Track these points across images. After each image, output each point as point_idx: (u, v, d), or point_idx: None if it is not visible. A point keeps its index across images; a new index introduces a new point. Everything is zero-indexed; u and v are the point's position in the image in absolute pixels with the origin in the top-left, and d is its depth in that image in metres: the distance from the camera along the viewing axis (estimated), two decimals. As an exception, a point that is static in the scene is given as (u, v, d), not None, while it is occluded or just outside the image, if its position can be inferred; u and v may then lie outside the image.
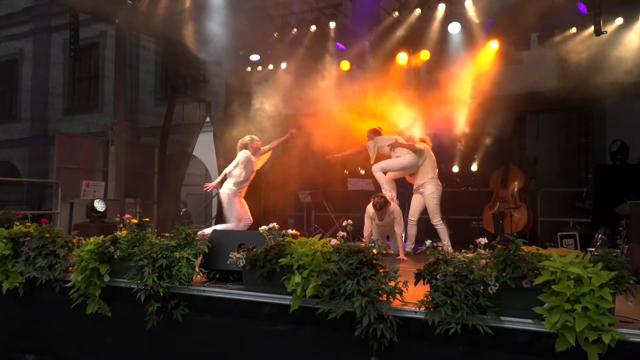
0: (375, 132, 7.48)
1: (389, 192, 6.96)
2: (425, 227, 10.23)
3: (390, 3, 9.76)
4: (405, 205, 10.23)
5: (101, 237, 5.09)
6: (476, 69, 8.93)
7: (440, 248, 3.83)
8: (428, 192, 6.86)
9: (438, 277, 3.58)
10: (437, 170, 7.09)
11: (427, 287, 3.69)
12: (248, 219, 6.98)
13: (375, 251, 3.85)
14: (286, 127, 12.08)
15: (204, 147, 12.69)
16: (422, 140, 7.33)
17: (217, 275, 4.87)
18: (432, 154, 7.10)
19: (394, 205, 6.88)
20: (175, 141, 11.72)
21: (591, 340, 3.07)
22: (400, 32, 9.52)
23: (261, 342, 4.25)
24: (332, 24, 10.06)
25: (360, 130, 9.45)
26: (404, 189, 10.38)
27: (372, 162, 7.32)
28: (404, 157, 7.08)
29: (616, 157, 8.15)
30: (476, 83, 8.74)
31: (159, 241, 4.78)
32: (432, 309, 3.54)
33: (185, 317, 4.51)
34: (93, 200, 8.62)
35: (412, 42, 9.65)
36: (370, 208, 6.75)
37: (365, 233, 6.90)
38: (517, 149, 9.36)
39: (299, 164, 10.07)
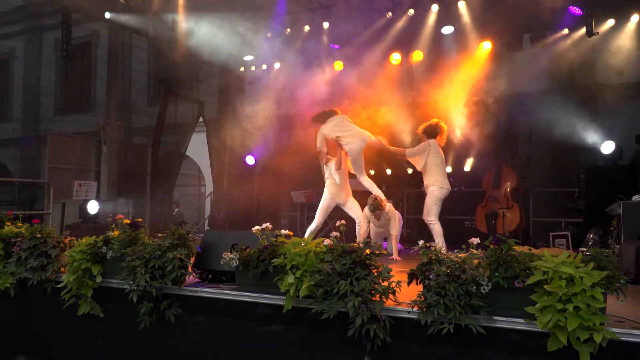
0: None
1: (379, 193, 6.93)
2: (419, 227, 10.28)
3: (383, 3, 9.78)
4: (398, 204, 10.27)
5: (93, 237, 5.08)
6: (469, 69, 8.96)
7: (433, 248, 3.83)
8: (429, 190, 6.79)
9: (431, 277, 3.59)
10: (443, 171, 6.82)
11: (420, 287, 3.70)
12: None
13: (368, 251, 3.86)
14: (279, 126, 12.15)
15: (197, 147, 12.67)
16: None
17: (210, 276, 4.86)
18: (437, 154, 6.83)
19: (389, 207, 6.89)
20: (168, 141, 11.69)
21: (583, 340, 3.08)
22: (393, 33, 9.55)
23: (254, 343, 4.25)
24: (326, 24, 10.07)
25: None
26: (397, 189, 10.42)
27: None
28: (349, 146, 6.91)
29: (609, 159, 8.19)
30: (469, 83, 8.77)
31: (151, 241, 4.78)
32: (425, 309, 3.55)
33: (178, 317, 4.50)
34: (85, 201, 8.59)
35: (406, 43, 9.67)
36: (367, 210, 6.77)
37: (361, 232, 6.90)
38: (509, 150, 9.38)
39: (293, 164, 10.06)
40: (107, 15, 9.46)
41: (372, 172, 10.64)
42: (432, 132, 6.91)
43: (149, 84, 15.29)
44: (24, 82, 17.38)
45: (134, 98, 14.53)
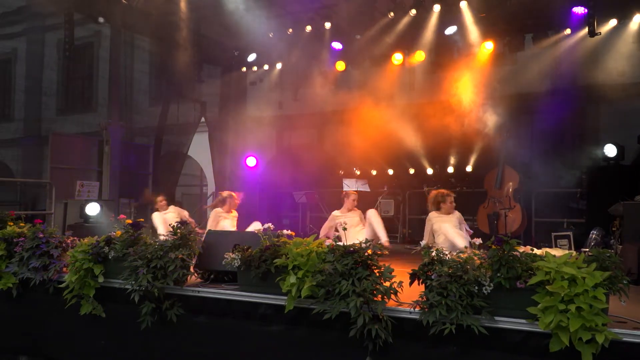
0: None
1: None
2: (420, 227, 10.26)
3: (385, 4, 9.77)
4: (399, 204, 10.27)
5: (95, 237, 5.08)
6: (471, 69, 8.95)
7: (435, 248, 3.83)
8: None
9: (433, 277, 3.58)
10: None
11: (422, 288, 3.70)
12: None
13: (370, 252, 3.86)
14: (281, 126, 12.18)
15: (198, 147, 12.67)
16: None
17: (212, 276, 4.86)
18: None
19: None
20: (170, 141, 11.70)
21: (585, 340, 3.08)
22: (395, 33, 9.53)
23: (256, 343, 4.25)
24: (328, 25, 10.06)
25: (354, 130, 9.47)
26: (398, 190, 10.41)
27: None
28: None
29: (611, 159, 8.17)
30: (471, 83, 8.76)
31: (153, 241, 4.78)
32: (426, 309, 3.55)
33: (180, 317, 4.50)
34: (87, 201, 8.59)
35: (408, 43, 9.66)
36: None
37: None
38: (511, 150, 9.38)
39: (294, 164, 10.07)
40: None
41: (374, 173, 10.66)
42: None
43: (151, 84, 15.30)
44: (26, 83, 17.42)
45: (136, 98, 14.54)
